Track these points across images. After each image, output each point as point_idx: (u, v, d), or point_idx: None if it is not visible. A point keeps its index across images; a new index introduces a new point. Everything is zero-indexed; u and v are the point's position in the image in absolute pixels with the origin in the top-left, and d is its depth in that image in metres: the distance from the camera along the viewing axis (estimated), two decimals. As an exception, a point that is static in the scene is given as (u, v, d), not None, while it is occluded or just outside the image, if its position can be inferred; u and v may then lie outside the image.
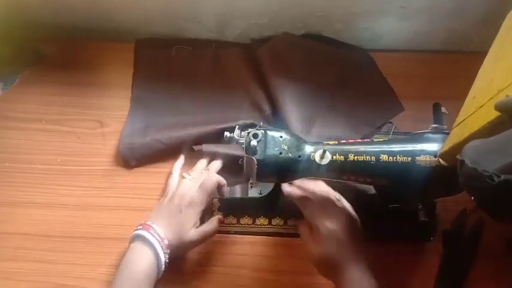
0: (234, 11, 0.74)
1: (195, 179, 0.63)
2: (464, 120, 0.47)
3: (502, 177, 0.31)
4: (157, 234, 0.56)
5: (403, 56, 0.79)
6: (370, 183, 0.58)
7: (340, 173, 0.56)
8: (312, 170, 0.55)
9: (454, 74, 0.73)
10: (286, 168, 0.55)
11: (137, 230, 0.57)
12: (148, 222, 0.58)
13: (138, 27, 0.80)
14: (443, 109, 0.61)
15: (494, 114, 0.38)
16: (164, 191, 0.65)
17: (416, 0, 0.69)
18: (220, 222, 0.63)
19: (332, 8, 0.72)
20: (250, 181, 0.68)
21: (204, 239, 0.61)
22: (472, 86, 0.49)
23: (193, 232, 0.60)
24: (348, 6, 0.71)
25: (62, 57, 0.79)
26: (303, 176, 0.65)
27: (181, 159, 0.69)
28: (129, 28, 0.80)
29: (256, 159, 0.53)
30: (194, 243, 0.60)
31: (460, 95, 0.50)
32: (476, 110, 0.44)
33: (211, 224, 0.62)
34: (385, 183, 0.56)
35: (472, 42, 0.76)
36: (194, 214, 0.60)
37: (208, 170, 0.65)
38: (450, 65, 0.76)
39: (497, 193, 0.32)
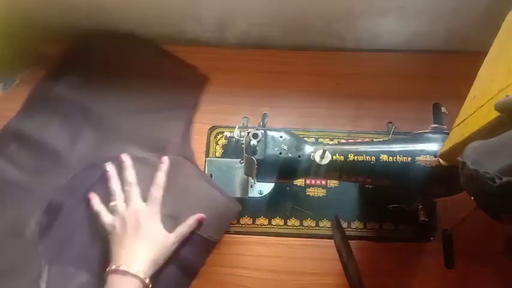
0: (234, 11, 0.74)
1: (130, 195, 0.61)
2: (464, 120, 0.47)
3: (504, 179, 0.31)
4: (136, 275, 0.54)
5: (403, 56, 0.79)
6: (370, 183, 0.58)
7: (340, 173, 0.56)
8: (312, 170, 0.55)
9: (454, 74, 0.73)
10: (286, 168, 0.55)
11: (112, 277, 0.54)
12: (122, 267, 0.54)
13: (138, 27, 0.80)
14: (443, 109, 0.61)
15: (494, 114, 0.38)
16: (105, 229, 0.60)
17: (416, 0, 0.69)
18: (200, 221, 0.62)
19: (332, 8, 0.72)
20: (250, 181, 0.68)
21: (180, 239, 0.60)
22: (472, 86, 0.49)
23: (168, 236, 0.59)
24: (348, 6, 0.71)
25: (61, 57, 0.79)
26: (303, 176, 0.65)
27: (94, 196, 0.64)
28: (129, 28, 0.80)
29: (256, 159, 0.53)
30: (175, 244, 0.60)
31: (460, 95, 0.50)
32: (476, 110, 0.44)
33: (187, 223, 0.61)
34: (385, 183, 0.56)
35: (472, 42, 0.75)
36: (156, 224, 0.60)
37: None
38: (450, 65, 0.76)
39: (499, 194, 0.32)
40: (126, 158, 0.66)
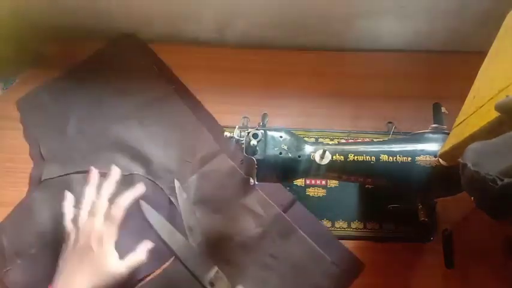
0: (234, 11, 0.74)
1: (95, 209, 0.58)
2: (464, 120, 0.47)
3: (505, 180, 0.31)
4: None
5: (403, 56, 0.79)
6: (370, 183, 0.58)
7: (340, 173, 0.56)
8: (312, 170, 0.55)
9: (454, 74, 0.73)
10: (286, 168, 0.55)
11: None
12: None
13: (138, 27, 0.80)
14: (443, 109, 0.61)
15: (494, 114, 0.38)
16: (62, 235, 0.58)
17: (416, 0, 0.69)
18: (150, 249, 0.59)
19: (332, 8, 0.72)
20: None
21: (132, 269, 0.56)
22: (472, 86, 0.49)
23: (117, 264, 0.55)
24: (348, 6, 0.71)
25: (62, 57, 0.79)
26: (303, 176, 0.65)
27: (69, 196, 0.61)
28: (129, 28, 0.80)
29: (256, 159, 0.53)
30: (122, 276, 0.55)
31: (460, 95, 0.50)
32: (476, 110, 0.44)
33: (138, 252, 0.58)
34: (385, 183, 0.56)
35: (472, 42, 0.75)
36: (108, 249, 0.56)
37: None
38: (450, 65, 0.76)
39: (500, 196, 0.32)
40: (115, 171, 0.62)
